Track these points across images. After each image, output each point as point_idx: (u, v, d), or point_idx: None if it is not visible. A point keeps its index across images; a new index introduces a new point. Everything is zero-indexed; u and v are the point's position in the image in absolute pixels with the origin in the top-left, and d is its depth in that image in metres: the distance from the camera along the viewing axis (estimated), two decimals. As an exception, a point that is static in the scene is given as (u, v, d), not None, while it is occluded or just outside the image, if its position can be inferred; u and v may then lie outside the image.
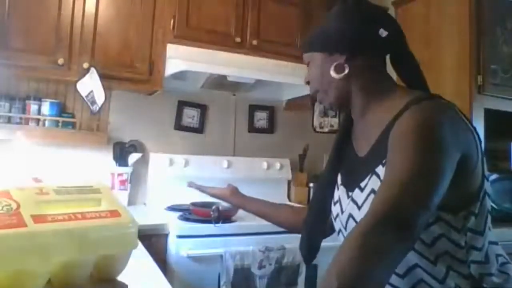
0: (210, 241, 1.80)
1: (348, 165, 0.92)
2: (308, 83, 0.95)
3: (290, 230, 1.20)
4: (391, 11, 2.73)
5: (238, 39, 2.22)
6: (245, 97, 2.65)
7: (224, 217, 1.87)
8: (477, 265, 0.76)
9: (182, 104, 2.51)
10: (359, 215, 0.80)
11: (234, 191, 1.29)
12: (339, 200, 0.91)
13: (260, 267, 1.80)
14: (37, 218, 0.55)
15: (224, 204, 1.78)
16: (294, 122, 2.76)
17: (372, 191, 0.78)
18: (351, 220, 0.84)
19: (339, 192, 0.92)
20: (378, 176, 0.78)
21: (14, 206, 0.55)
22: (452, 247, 0.74)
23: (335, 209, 0.93)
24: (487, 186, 0.78)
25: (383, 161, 0.75)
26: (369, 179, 0.80)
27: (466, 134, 0.75)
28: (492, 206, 2.30)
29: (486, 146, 2.05)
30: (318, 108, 2.82)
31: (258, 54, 2.24)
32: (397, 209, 0.61)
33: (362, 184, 0.82)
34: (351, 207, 0.84)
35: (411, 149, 0.68)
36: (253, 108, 2.69)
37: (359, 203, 0.81)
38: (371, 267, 0.57)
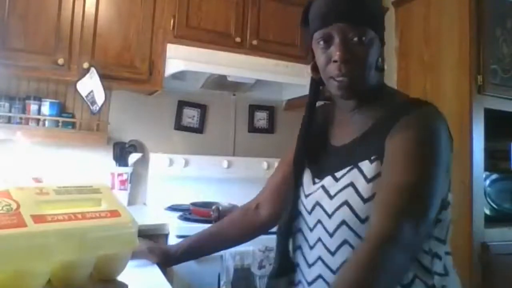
0: (210, 241, 1.79)
1: (315, 150, 0.90)
2: (346, 61, 0.76)
3: (249, 238, 1.10)
4: (391, 11, 2.73)
5: (238, 39, 2.22)
6: (245, 97, 2.65)
7: (224, 217, 1.87)
8: (440, 277, 0.77)
9: (182, 104, 2.51)
10: (330, 204, 0.80)
11: (152, 249, 1.07)
12: (302, 184, 0.89)
13: (260, 267, 1.80)
14: (37, 218, 0.55)
15: (224, 204, 1.79)
16: (294, 122, 2.74)
17: (351, 184, 0.77)
18: (318, 207, 0.82)
19: (304, 175, 0.90)
20: (361, 171, 0.77)
21: (14, 206, 0.55)
22: (420, 253, 0.75)
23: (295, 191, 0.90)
24: (450, 196, 0.81)
25: (372, 158, 0.76)
26: (349, 171, 0.79)
27: (451, 143, 0.79)
28: (492, 206, 2.30)
29: (486, 146, 2.05)
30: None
31: (258, 54, 2.24)
32: (403, 231, 0.65)
33: (338, 174, 0.80)
34: (320, 194, 0.83)
35: (418, 162, 0.72)
36: (253, 108, 2.69)
37: (331, 193, 0.80)
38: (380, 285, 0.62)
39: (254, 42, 2.25)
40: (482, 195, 2.04)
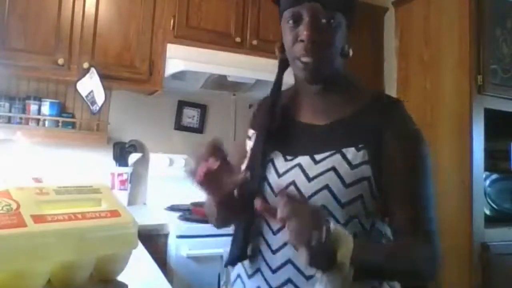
0: (210, 241, 1.79)
1: (282, 129, 0.86)
2: (313, 41, 0.76)
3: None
4: (391, 11, 2.73)
5: (238, 39, 2.22)
6: (245, 97, 2.65)
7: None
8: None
9: (182, 104, 2.51)
10: (308, 187, 0.77)
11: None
12: (272, 162, 0.84)
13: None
14: (37, 218, 0.55)
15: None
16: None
17: (333, 169, 0.77)
18: (292, 187, 0.79)
19: (273, 153, 0.85)
20: (345, 157, 0.78)
21: (14, 206, 0.55)
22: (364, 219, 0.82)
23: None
24: None
25: (360, 146, 0.78)
26: (331, 155, 0.78)
27: None
28: (492, 206, 2.30)
29: (486, 146, 2.05)
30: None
31: (258, 54, 2.24)
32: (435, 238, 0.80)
33: (318, 157, 0.79)
34: (296, 173, 0.80)
35: (421, 173, 0.81)
36: (253, 108, 2.69)
37: (310, 175, 0.78)
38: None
39: (254, 42, 2.25)
40: (482, 195, 2.04)
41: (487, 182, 2.13)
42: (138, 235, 0.65)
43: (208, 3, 2.18)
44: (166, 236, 1.84)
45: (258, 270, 0.81)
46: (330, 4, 0.76)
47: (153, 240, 1.77)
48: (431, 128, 2.29)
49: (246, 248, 0.82)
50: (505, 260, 2.02)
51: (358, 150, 0.78)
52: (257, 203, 0.66)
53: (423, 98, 2.33)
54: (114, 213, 0.63)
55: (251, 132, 0.92)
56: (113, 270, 0.65)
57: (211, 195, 0.79)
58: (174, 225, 1.85)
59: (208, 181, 0.73)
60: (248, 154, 0.88)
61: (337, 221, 0.75)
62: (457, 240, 2.05)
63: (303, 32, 0.76)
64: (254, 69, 2.21)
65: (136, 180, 2.32)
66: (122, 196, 2.15)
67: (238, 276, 0.88)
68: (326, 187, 0.76)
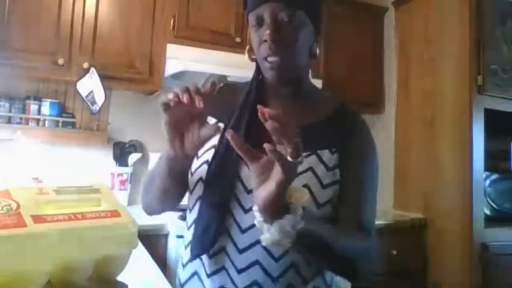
0: (210, 241, 1.79)
1: (253, 125, 0.80)
2: (275, 40, 0.76)
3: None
4: (391, 11, 2.74)
5: (238, 39, 2.22)
6: (245, 97, 2.65)
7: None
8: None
9: (182, 104, 2.50)
10: None
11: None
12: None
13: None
14: (37, 218, 0.55)
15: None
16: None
17: (311, 169, 0.79)
18: None
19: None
20: (320, 159, 0.80)
21: (14, 206, 0.55)
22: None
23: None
24: None
25: (333, 150, 0.81)
26: (308, 156, 0.78)
27: None
28: (492, 206, 2.30)
29: (486, 146, 2.05)
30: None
31: (258, 54, 2.23)
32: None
33: None
34: None
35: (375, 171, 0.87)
36: (253, 108, 2.69)
37: None
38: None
39: (254, 42, 2.25)
40: (482, 195, 2.05)
41: (487, 182, 2.13)
42: (138, 235, 0.65)
43: (208, 3, 2.18)
44: (166, 236, 1.84)
45: (222, 268, 0.78)
46: (291, 2, 0.76)
47: (153, 240, 1.77)
48: (431, 128, 2.29)
49: (215, 241, 0.77)
50: (505, 260, 2.02)
51: (332, 153, 0.81)
52: (229, 133, 0.61)
53: (423, 98, 2.34)
54: (114, 213, 0.63)
55: (212, 119, 0.86)
56: (113, 270, 0.65)
57: (174, 135, 0.72)
58: (174, 225, 1.85)
59: (178, 114, 0.70)
60: (214, 143, 0.82)
61: None
62: (457, 240, 2.05)
63: (265, 31, 0.76)
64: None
65: (136, 180, 2.32)
66: (122, 196, 2.15)
67: (195, 273, 0.83)
68: (305, 186, 0.76)
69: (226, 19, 2.22)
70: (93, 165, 2.23)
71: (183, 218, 1.95)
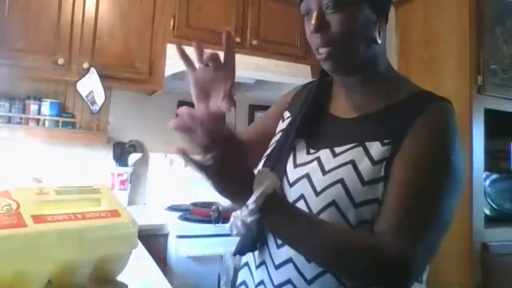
0: (210, 241, 1.80)
1: (313, 121, 0.83)
2: (319, 30, 0.72)
3: None
4: (391, 11, 2.73)
5: (238, 39, 2.22)
6: (245, 97, 2.65)
7: (224, 217, 1.87)
8: None
9: (182, 104, 2.46)
10: (321, 180, 0.72)
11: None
12: (294, 151, 0.81)
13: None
14: (37, 218, 0.55)
15: (224, 204, 1.78)
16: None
17: (351, 162, 0.71)
18: (305, 180, 0.74)
19: (297, 143, 0.81)
20: (367, 151, 0.71)
21: (14, 206, 0.55)
22: None
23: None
24: None
25: (385, 141, 0.71)
26: (352, 148, 0.73)
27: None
28: (492, 206, 2.30)
29: (486, 146, 2.05)
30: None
31: (258, 54, 2.24)
32: (416, 257, 0.66)
33: (338, 150, 0.74)
34: (313, 167, 0.75)
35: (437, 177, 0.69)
36: (253, 108, 2.69)
37: (326, 168, 0.73)
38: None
39: (254, 42, 2.25)
40: (482, 195, 2.04)
41: (487, 182, 2.13)
42: (138, 235, 0.65)
43: (208, 3, 2.18)
44: (166, 236, 1.84)
45: (263, 262, 0.78)
46: None
47: (153, 240, 1.77)
48: (431, 128, 2.29)
49: (257, 239, 0.78)
50: (505, 260, 2.02)
51: (382, 145, 0.70)
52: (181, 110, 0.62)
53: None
54: (114, 213, 0.63)
55: (287, 114, 0.91)
56: (113, 270, 0.65)
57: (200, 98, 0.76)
58: (174, 225, 1.85)
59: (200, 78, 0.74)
60: (278, 137, 0.87)
61: (347, 222, 0.68)
62: (457, 240, 2.05)
63: (311, 22, 0.73)
64: (254, 69, 2.21)
65: (136, 180, 2.32)
66: (122, 196, 2.15)
67: (246, 264, 0.85)
68: (341, 181, 0.69)
69: (226, 19, 2.22)
70: (93, 165, 2.23)
71: (183, 218, 1.95)
